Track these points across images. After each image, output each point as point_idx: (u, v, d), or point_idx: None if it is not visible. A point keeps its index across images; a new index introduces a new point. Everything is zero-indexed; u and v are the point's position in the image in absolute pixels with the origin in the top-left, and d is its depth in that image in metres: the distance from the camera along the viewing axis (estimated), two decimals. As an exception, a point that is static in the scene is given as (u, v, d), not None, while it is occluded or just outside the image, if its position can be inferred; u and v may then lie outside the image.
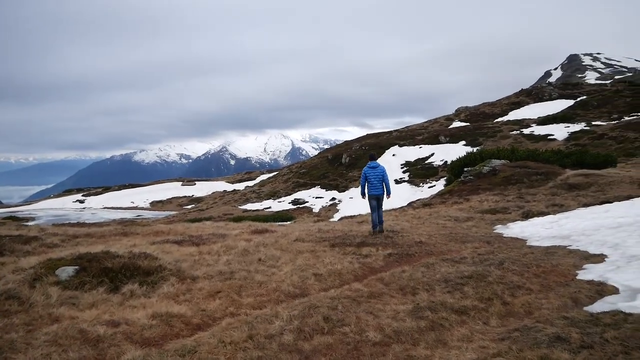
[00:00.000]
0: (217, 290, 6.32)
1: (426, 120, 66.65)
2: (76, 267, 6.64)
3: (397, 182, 38.63)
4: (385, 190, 11.12)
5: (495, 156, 22.97)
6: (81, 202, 68.42)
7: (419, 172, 39.97)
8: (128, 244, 9.95)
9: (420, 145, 47.21)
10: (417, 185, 36.93)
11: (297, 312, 5.31)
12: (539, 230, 10.57)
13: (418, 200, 25.69)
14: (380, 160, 45.37)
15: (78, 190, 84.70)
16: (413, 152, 45.79)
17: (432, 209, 15.67)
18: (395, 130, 62.61)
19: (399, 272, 7.07)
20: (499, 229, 11.62)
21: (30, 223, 40.56)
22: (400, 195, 34.00)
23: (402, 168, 42.21)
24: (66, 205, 65.66)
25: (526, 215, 13.03)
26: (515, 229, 11.24)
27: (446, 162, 39.35)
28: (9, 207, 76.59)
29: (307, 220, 26.80)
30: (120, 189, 78.10)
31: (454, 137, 46.37)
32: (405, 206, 21.62)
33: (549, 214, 12.77)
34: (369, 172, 11.05)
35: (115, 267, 6.67)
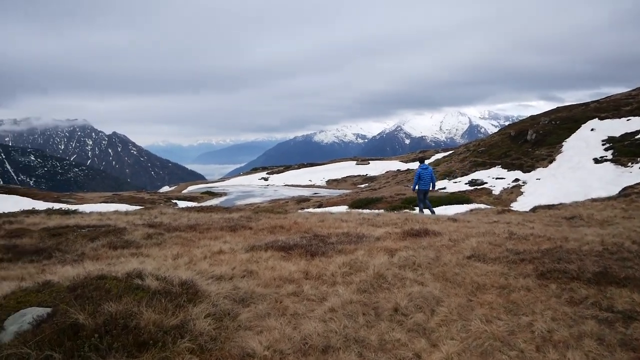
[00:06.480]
0: None
1: (634, 88, 55.95)
2: (45, 311, 3.77)
3: (596, 161, 32.99)
4: (432, 186, 14.31)
5: None
6: (265, 179, 74.43)
7: (626, 149, 33.50)
8: (215, 249, 7.37)
9: (628, 118, 39.70)
10: (624, 166, 30.94)
11: None
12: None
13: (638, 184, 20.68)
14: (575, 136, 39.46)
15: (263, 169, 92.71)
16: (618, 126, 38.67)
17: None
18: (593, 102, 54.14)
19: None
20: None
21: (222, 198, 45.08)
22: (601, 177, 28.87)
23: (603, 145, 35.94)
24: (252, 182, 72.10)
25: None
26: None
27: (664, 136, 32.38)
28: (209, 182, 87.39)
29: (485, 202, 24.17)
30: (300, 168, 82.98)
31: (675, 107, 37.99)
32: (621, 194, 17.20)
33: None
34: (422, 172, 14.05)
35: (90, 325, 3.50)
